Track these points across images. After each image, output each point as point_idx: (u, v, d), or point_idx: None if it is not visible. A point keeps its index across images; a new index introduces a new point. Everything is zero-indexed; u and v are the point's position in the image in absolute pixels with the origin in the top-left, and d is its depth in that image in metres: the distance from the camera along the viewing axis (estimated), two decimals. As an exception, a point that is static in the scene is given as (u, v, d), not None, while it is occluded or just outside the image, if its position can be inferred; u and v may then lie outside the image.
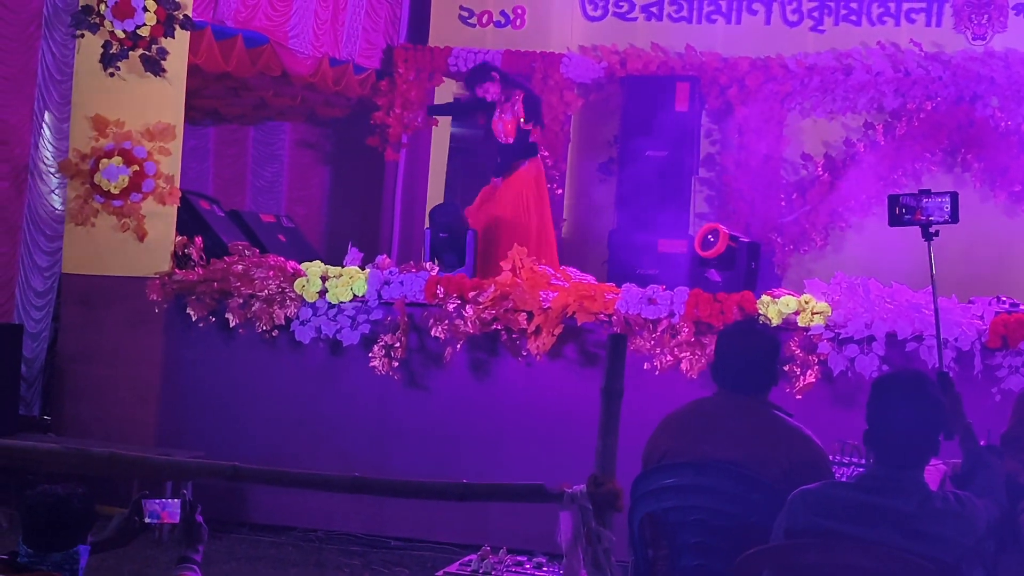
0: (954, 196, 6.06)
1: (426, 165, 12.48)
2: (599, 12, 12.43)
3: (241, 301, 8.84)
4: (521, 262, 8.75)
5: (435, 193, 12.43)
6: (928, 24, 11.78)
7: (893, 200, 6.16)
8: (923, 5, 11.76)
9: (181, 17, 9.04)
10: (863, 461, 5.33)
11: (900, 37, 11.72)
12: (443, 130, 12.62)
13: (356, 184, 13.11)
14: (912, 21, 11.81)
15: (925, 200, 6.05)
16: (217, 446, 8.55)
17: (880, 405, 4.25)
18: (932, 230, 6.00)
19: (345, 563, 8.08)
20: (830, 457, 5.27)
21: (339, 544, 8.45)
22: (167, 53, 9.04)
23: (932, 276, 6.20)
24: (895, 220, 6.15)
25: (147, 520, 4.51)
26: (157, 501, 4.54)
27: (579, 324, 8.35)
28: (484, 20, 12.56)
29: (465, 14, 12.59)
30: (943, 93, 11.51)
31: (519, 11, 12.45)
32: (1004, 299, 8.14)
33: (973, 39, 11.63)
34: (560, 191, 12.18)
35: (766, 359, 5.03)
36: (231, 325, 8.85)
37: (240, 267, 8.97)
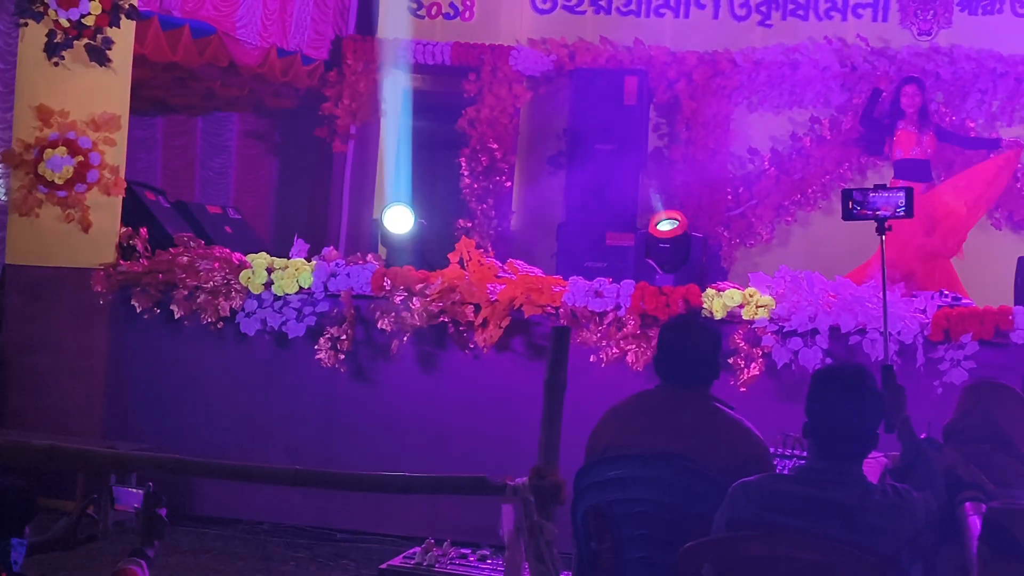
0: (909, 191, 6.13)
1: (374, 156, 12.44)
2: (548, 5, 12.45)
3: (186, 293, 8.79)
4: (468, 254, 8.74)
5: (383, 184, 12.40)
6: (875, 19, 11.86)
7: (847, 194, 6.21)
8: (870, 1, 11.85)
9: (127, 6, 8.98)
10: (805, 454, 5.36)
11: (847, 32, 11.80)
12: (392, 122, 12.59)
13: (304, 175, 13.06)
14: (859, 16, 11.89)
15: (880, 194, 6.11)
16: (163, 438, 8.50)
17: (819, 398, 4.28)
18: (887, 224, 6.07)
19: (291, 556, 8.05)
20: (773, 449, 5.31)
21: (285, 536, 8.43)
22: (112, 43, 8.97)
23: (883, 269, 6.26)
24: (848, 214, 6.20)
25: (116, 507, 4.47)
26: (125, 489, 4.50)
27: (526, 317, 8.36)
28: (433, 12, 12.55)
29: (414, 5, 12.57)
30: (889, 88, 11.59)
31: (468, 3, 12.46)
32: (947, 293, 8.22)
33: (919, 34, 11.73)
34: (509, 184, 12.19)
35: (708, 352, 5.05)
36: (176, 317, 8.81)
37: (185, 258, 8.93)
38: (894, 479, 4.67)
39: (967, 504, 4.49)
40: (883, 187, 6.19)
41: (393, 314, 8.47)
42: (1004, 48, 11.38)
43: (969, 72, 11.44)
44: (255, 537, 8.43)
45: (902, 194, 6.14)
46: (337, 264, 8.79)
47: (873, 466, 4.91)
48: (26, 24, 8.95)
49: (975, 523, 4.20)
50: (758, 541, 4.24)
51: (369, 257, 8.90)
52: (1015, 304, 7.99)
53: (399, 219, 9.41)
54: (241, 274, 8.77)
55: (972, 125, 11.50)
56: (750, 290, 8.11)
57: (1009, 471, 4.81)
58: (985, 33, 11.52)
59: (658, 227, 9.12)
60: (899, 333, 7.69)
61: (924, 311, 7.85)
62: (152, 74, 10.55)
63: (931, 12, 11.71)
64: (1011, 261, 9.13)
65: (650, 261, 9.26)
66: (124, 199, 9.22)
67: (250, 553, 8.09)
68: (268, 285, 8.75)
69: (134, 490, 4.49)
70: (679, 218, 9.14)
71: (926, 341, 7.75)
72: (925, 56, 11.55)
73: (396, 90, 12.56)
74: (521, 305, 8.34)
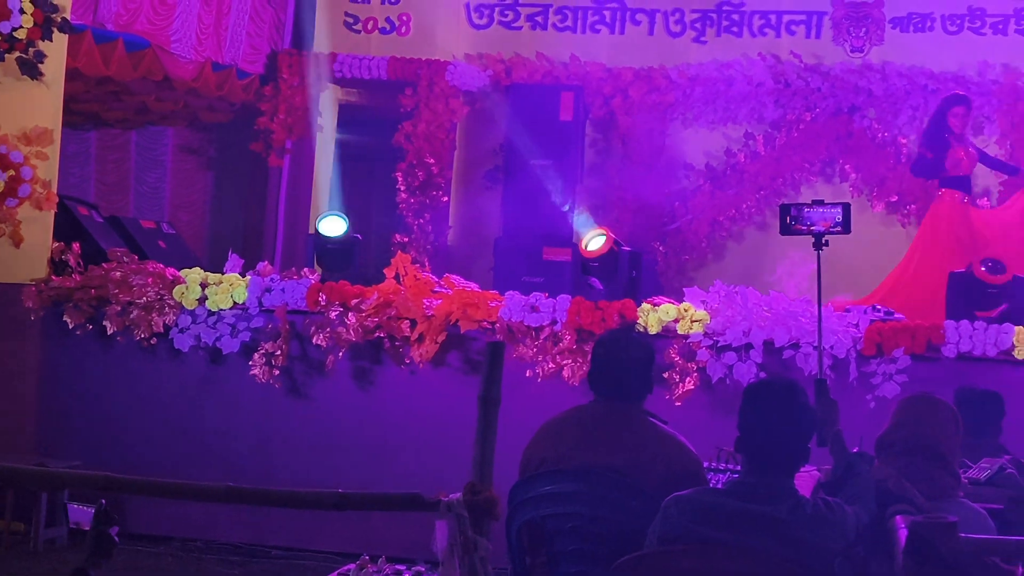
0: (846, 207, 6.20)
1: (310, 171, 12.40)
2: (485, 20, 12.46)
3: (119, 308, 8.71)
4: (405, 269, 8.73)
5: (319, 199, 12.37)
6: (808, 36, 11.99)
7: (785, 209, 6.27)
8: (803, 17, 11.97)
9: (59, 20, 8.90)
10: (739, 468, 5.39)
11: (780, 48, 11.91)
12: (327, 136, 12.57)
13: (240, 190, 13.00)
14: (792, 33, 12.01)
15: (817, 210, 6.17)
16: (96, 455, 8.41)
17: (751, 413, 4.32)
18: (824, 240, 6.12)
19: (225, 573, 8.00)
20: (707, 463, 5.33)
21: (219, 554, 8.35)
22: (45, 56, 8.89)
23: (819, 284, 6.31)
24: (786, 229, 6.26)
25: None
26: (77, 506, 4.44)
27: (463, 332, 8.35)
28: (369, 27, 12.53)
29: (350, 20, 12.55)
30: (822, 104, 11.74)
31: (404, 18, 12.45)
32: (879, 307, 8.30)
33: (851, 51, 11.86)
34: (445, 199, 12.20)
35: (641, 367, 5.07)
36: (109, 333, 8.72)
37: (118, 274, 8.84)
38: (826, 492, 4.70)
39: (897, 517, 4.52)
40: (820, 202, 6.26)
41: (328, 329, 8.43)
42: (935, 65, 11.54)
43: (901, 89, 11.60)
44: (188, 554, 8.35)
45: (838, 209, 6.21)
46: (272, 279, 8.74)
47: (806, 480, 4.94)
48: (-44, 37, 8.86)
49: (905, 536, 4.23)
50: (690, 555, 4.26)
51: (304, 272, 8.86)
52: (946, 318, 8.06)
53: (333, 226, 9.38)
54: (175, 289, 8.71)
55: (904, 141, 11.65)
56: (685, 305, 8.15)
57: (939, 484, 4.85)
58: (916, 50, 11.67)
59: (587, 248, 9.14)
60: (832, 347, 7.75)
61: (857, 325, 7.92)
62: (85, 88, 10.46)
63: (864, 29, 11.84)
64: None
65: (592, 280, 9.29)
66: (56, 214, 9.14)
67: (183, 571, 8.03)
68: (202, 300, 8.68)
69: (85, 507, 4.42)
70: (605, 233, 9.18)
71: (859, 355, 7.82)
72: (858, 73, 11.70)
73: (332, 105, 12.54)
74: (457, 320, 8.33)
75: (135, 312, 8.69)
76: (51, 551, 8.19)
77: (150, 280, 8.77)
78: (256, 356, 8.52)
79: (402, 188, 12.06)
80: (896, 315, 8.21)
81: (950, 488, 4.90)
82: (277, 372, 8.50)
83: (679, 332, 8.04)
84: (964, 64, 11.52)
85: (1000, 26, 11.64)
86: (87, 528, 4.34)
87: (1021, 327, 7.82)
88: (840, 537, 4.25)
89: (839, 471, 4.88)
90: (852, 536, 4.30)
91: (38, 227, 8.97)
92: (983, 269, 8.40)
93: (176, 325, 8.68)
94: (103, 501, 4.48)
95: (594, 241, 9.16)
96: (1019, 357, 7.72)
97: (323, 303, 8.52)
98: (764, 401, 4.33)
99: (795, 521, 4.18)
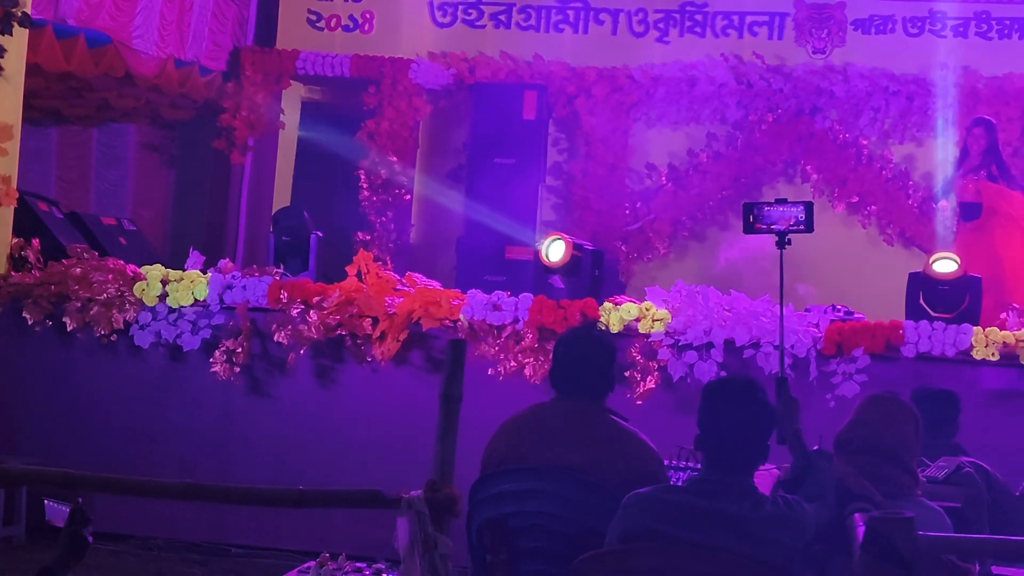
0: (809, 206, 6.22)
1: (272, 168, 12.36)
2: (448, 18, 12.47)
3: (79, 305, 8.66)
4: (367, 267, 8.72)
5: (281, 197, 12.34)
6: (771, 37, 12.06)
7: (748, 208, 6.28)
8: (765, 18, 12.03)
9: (19, 14, 8.82)
10: (699, 466, 5.40)
11: (743, 49, 11.97)
12: (290, 133, 12.53)
13: (202, 187, 12.93)
14: (755, 34, 12.07)
15: (780, 209, 6.19)
16: (55, 453, 8.35)
17: (710, 411, 4.34)
18: (787, 238, 6.15)
19: (185, 571, 7.96)
20: (668, 462, 5.35)
21: (179, 552, 8.32)
22: (4, 51, 8.82)
23: (781, 283, 6.33)
24: (749, 228, 6.27)
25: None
26: (54, 504, 4.37)
27: (425, 330, 8.35)
28: (332, 24, 12.49)
29: (313, 17, 12.51)
30: (784, 105, 11.80)
31: (368, 15, 12.42)
32: (839, 307, 8.35)
33: (813, 53, 11.93)
34: (408, 197, 12.19)
35: (603, 365, 5.08)
36: (69, 329, 8.67)
37: (79, 270, 8.80)
38: (785, 490, 4.72)
39: (856, 515, 4.55)
40: (783, 201, 6.28)
41: (290, 327, 8.41)
42: (896, 67, 11.63)
43: (862, 90, 11.67)
44: (148, 553, 8.31)
45: (801, 208, 6.23)
46: (233, 276, 8.71)
47: (765, 478, 4.96)
48: (-85, 31, 8.78)
49: (863, 533, 4.26)
50: (651, 553, 4.27)
51: (266, 269, 8.84)
52: (906, 319, 8.11)
53: (291, 215, 9.39)
54: (135, 286, 8.67)
55: (865, 142, 11.72)
56: (647, 304, 8.18)
57: (897, 483, 4.88)
58: (878, 52, 11.76)
59: (549, 258, 9.12)
60: (792, 347, 7.79)
61: (817, 325, 7.96)
62: (46, 84, 10.38)
63: (826, 31, 11.91)
64: (902, 276, 9.29)
65: (554, 279, 9.29)
66: (16, 210, 9.07)
67: (143, 569, 7.99)
68: (163, 297, 8.65)
69: (62, 505, 4.36)
70: (562, 239, 9.15)
71: (819, 355, 7.86)
72: (820, 74, 11.77)
73: (295, 102, 12.51)
74: (419, 318, 8.33)
75: (95, 309, 8.64)
76: (9, 550, 8.14)
77: (110, 276, 8.72)
78: (217, 353, 8.50)
79: (365, 186, 12.05)
80: (856, 315, 8.26)
81: (908, 487, 4.93)
82: (238, 370, 8.48)
83: (641, 331, 8.07)
84: (925, 66, 11.60)
85: (961, 29, 11.74)
86: (58, 525, 4.27)
87: (979, 327, 7.89)
88: (800, 535, 4.27)
89: (798, 469, 4.91)
90: (811, 534, 4.33)
91: (-3, 223, 8.92)
92: (933, 266, 8.49)
93: (136, 322, 8.65)
94: (80, 500, 4.41)
95: (554, 249, 9.14)
96: (977, 357, 7.78)
97: (285, 300, 8.50)
98: (724, 399, 4.35)
99: (755, 519, 4.20)
